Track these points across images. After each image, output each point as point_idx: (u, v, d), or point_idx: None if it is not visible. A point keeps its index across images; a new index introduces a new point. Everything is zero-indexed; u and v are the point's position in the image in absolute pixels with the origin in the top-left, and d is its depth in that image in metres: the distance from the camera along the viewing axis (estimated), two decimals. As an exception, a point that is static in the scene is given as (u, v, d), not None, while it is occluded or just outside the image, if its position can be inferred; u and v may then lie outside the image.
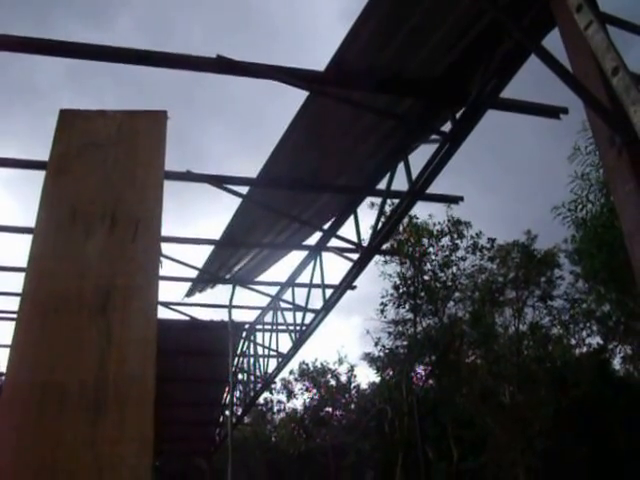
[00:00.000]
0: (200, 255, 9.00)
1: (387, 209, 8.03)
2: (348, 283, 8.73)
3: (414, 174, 6.55)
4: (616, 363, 29.07)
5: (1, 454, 1.76)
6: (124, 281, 2.10)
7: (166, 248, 8.42)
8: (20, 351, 1.95)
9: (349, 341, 74.25)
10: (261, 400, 37.34)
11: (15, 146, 58.69)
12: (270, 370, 12.69)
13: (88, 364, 1.90)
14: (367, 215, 8.34)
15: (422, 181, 6.38)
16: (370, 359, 32.36)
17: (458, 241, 26.28)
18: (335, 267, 9.15)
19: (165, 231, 8.30)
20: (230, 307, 11.15)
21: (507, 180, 61.33)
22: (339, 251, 8.54)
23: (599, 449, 24.86)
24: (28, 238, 2.31)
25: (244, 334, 13.26)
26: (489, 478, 26.26)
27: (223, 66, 5.00)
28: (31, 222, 2.38)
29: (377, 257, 25.64)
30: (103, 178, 2.36)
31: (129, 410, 1.83)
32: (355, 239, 7.96)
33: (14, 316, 2.08)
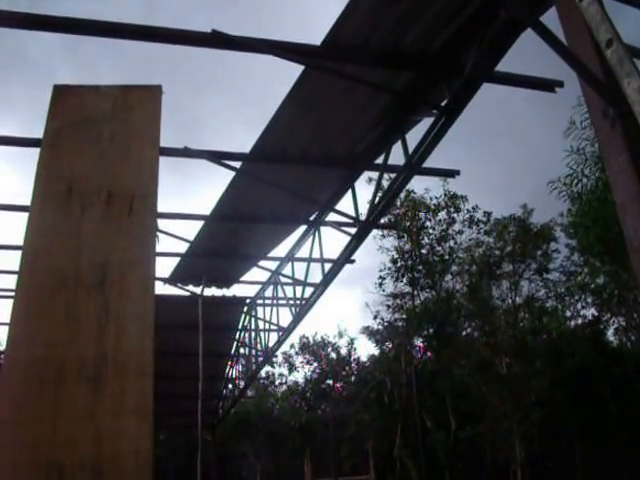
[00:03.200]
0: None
1: (385, 184, 8.11)
2: (346, 257, 8.84)
3: (411, 149, 6.61)
4: (610, 334, 29.44)
5: (2, 427, 1.77)
6: (120, 256, 2.08)
7: (168, 224, 8.47)
8: (19, 327, 1.95)
9: (350, 314, 74.32)
10: (263, 374, 37.76)
11: (13, 121, 58.12)
12: (271, 344, 12.85)
13: (87, 338, 1.91)
14: (365, 190, 8.38)
15: (418, 155, 6.44)
16: (369, 333, 32.65)
17: (455, 215, 26.37)
18: (334, 241, 9.25)
19: (167, 207, 8.34)
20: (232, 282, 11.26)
21: (503, 153, 61.18)
22: (337, 225, 8.63)
23: (593, 417, 25.28)
24: (25, 216, 2.26)
25: (245, 309, 13.38)
26: (486, 446, 26.73)
27: (218, 41, 5.01)
28: (27, 200, 2.34)
29: (375, 231, 25.72)
30: (98, 153, 2.34)
31: (128, 382, 1.83)
32: (353, 213, 8.06)
33: (12, 294, 2.07)
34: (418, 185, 27.25)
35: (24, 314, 1.96)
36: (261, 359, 13.90)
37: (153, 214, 2.27)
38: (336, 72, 5.60)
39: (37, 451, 1.69)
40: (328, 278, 9.42)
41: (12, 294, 2.09)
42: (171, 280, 10.76)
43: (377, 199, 7.45)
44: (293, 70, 5.61)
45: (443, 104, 5.96)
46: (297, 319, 10.97)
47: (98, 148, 2.36)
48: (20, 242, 2.19)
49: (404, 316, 26.53)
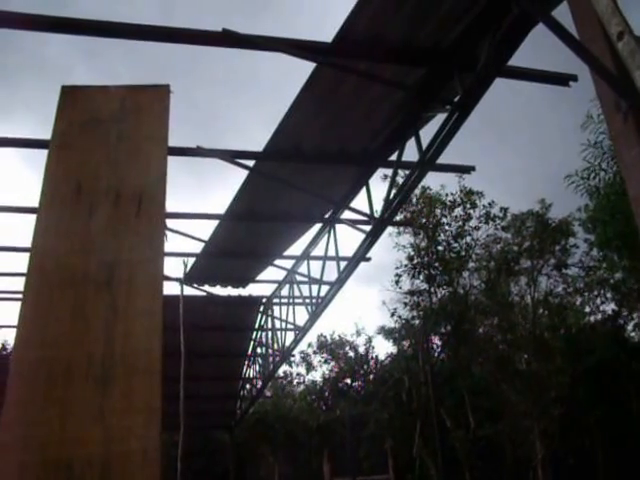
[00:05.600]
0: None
1: (400, 181, 8.10)
2: (361, 255, 8.83)
3: (424, 145, 6.59)
4: (630, 329, 29.11)
5: (10, 428, 1.75)
6: (129, 255, 2.08)
7: (183, 224, 8.51)
8: (27, 327, 1.94)
9: (368, 311, 74.35)
10: (281, 373, 37.83)
11: (29, 122, 58.54)
12: (288, 343, 12.88)
13: (95, 338, 1.90)
14: (379, 187, 8.35)
15: (432, 151, 6.41)
16: (385, 332, 32.57)
17: (471, 211, 26.23)
18: (350, 239, 9.25)
19: (183, 207, 8.40)
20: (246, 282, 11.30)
21: (519, 147, 60.72)
22: (352, 223, 8.64)
23: (614, 414, 25.02)
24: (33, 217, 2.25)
25: (261, 308, 13.41)
26: (506, 445, 26.58)
27: (229, 40, 5.03)
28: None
29: (390, 229, 25.70)
30: (106, 153, 2.34)
31: (136, 382, 1.83)
32: (368, 211, 8.05)
33: (20, 296, 2.07)
34: (434, 181, 27.26)
35: (32, 314, 1.97)
36: (278, 359, 13.93)
37: (162, 214, 2.28)
38: (348, 69, 5.59)
39: (45, 451, 1.69)
40: (344, 276, 9.42)
41: (20, 296, 2.10)
42: (187, 280, 10.79)
43: (392, 195, 7.44)
44: (307, 68, 5.62)
45: (456, 100, 5.93)
46: (313, 317, 10.98)
47: (106, 148, 2.37)
48: (28, 244, 2.21)
49: (421, 313, 26.46)
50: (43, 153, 2.28)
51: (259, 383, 17.04)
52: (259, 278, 11.55)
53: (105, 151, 2.36)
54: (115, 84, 2.59)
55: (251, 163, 7.02)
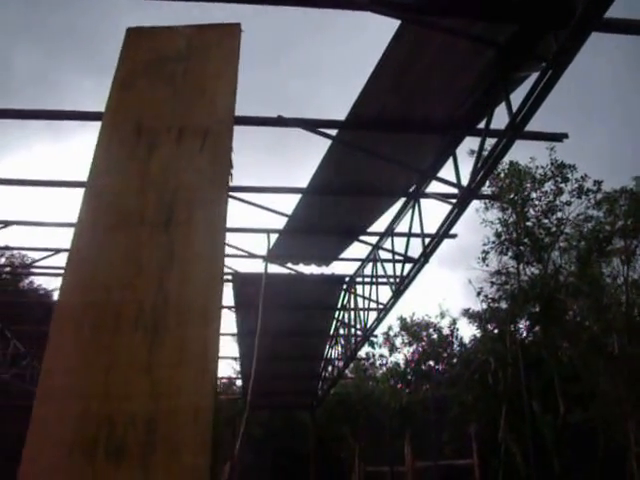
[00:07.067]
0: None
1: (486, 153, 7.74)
2: (448, 227, 8.49)
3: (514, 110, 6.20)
4: None
5: (51, 375, 1.64)
6: (189, 194, 1.92)
7: (266, 198, 8.47)
8: (75, 270, 1.79)
9: (452, 294, 73.42)
10: (363, 354, 37.87)
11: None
12: (369, 323, 12.73)
13: (147, 283, 1.76)
14: (464, 163, 7.97)
15: (523, 114, 6.01)
16: (470, 315, 31.87)
17: (562, 185, 25.14)
18: (434, 216, 8.95)
19: (266, 181, 8.38)
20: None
21: (613, 117, 57.68)
22: (439, 196, 8.33)
23: None
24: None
25: (344, 287, 13.30)
26: (598, 432, 25.43)
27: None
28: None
29: (478, 204, 25.10)
30: (171, 92, 2.21)
31: (191, 333, 1.67)
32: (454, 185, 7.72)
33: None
34: (522, 154, 26.25)
35: (80, 256, 1.82)
36: (359, 339, 13.81)
37: (227, 151, 2.08)
38: (434, 25, 5.30)
39: (88, 403, 1.56)
40: (428, 252, 9.14)
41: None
42: (270, 258, 10.77)
43: (479, 164, 7.08)
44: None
45: (549, 57, 5.52)
46: (397, 295, 10.76)
47: (170, 87, 2.21)
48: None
49: (508, 292, 25.68)
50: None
51: (341, 364, 17.00)
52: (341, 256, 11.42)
53: (169, 89, 2.22)
54: (182, 24, 2.47)
55: (333, 133, 6.87)
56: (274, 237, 10.15)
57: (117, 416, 1.53)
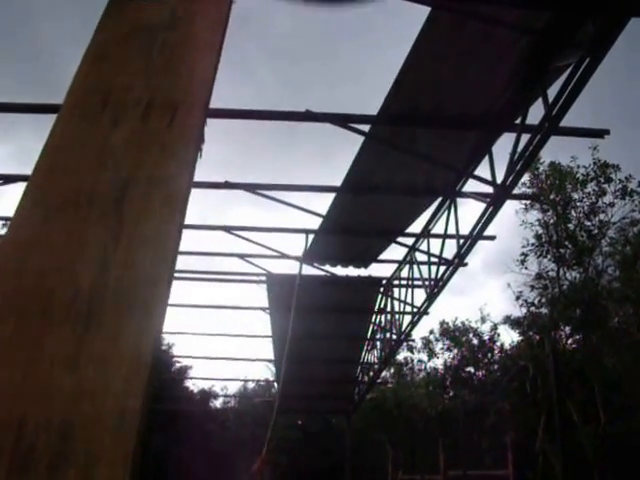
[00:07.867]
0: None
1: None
2: (482, 227, 8.25)
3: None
4: None
5: None
6: (149, 171, 1.73)
7: (299, 197, 8.36)
8: (8, 254, 1.60)
9: (492, 299, 72.52)
10: (401, 359, 37.45)
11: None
12: (404, 326, 12.54)
13: (86, 266, 1.55)
14: (501, 161, 7.75)
15: (560, 105, 5.77)
16: (511, 322, 31.23)
17: (605, 186, 24.42)
18: (470, 218, 8.74)
19: (299, 179, 8.31)
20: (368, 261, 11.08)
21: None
22: (475, 195, 8.13)
23: None
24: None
25: (381, 289, 13.12)
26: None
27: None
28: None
29: (517, 205, 24.60)
30: (146, 63, 2.02)
31: (127, 323, 1.47)
32: (489, 185, 7.51)
33: None
34: (564, 154, 25.65)
35: (17, 239, 1.63)
36: (394, 343, 13.62)
37: (198, 126, 1.89)
38: (468, 12, 5.14)
39: None
40: (463, 253, 8.94)
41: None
42: (307, 259, 10.64)
43: (515, 158, 6.86)
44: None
45: (586, 45, 5.31)
46: (431, 298, 10.56)
47: (147, 58, 2.03)
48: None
49: (549, 297, 25.06)
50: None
51: (378, 368, 16.78)
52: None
53: (144, 61, 2.03)
54: None
55: (365, 128, 6.74)
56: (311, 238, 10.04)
57: (30, 419, 1.33)
